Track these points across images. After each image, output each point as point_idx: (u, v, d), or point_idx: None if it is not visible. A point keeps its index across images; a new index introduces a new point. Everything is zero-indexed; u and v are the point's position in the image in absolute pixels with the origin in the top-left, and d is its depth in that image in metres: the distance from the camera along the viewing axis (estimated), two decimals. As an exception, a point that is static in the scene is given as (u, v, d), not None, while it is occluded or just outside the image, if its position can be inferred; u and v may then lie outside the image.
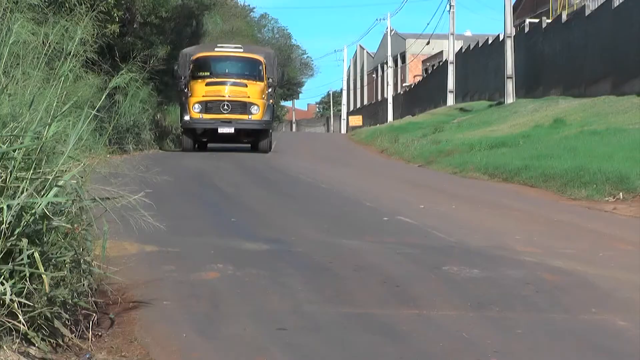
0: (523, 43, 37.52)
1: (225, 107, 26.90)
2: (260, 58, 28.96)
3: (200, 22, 36.46)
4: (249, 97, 27.14)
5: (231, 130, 27.06)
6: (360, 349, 5.59)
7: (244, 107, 26.99)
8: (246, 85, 27.41)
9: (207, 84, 27.33)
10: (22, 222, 5.11)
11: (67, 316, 5.37)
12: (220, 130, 27.06)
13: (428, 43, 63.51)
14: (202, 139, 28.45)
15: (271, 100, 28.39)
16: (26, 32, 6.09)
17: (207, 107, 26.96)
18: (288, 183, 15.91)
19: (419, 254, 8.66)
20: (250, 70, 28.52)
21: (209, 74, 28.06)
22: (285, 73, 30.80)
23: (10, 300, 4.87)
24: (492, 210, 12.94)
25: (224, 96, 27.23)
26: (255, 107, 27.01)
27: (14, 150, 5.31)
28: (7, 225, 4.98)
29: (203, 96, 27.08)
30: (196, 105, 26.93)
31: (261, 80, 28.06)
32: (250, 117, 26.91)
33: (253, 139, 28.30)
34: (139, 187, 6.40)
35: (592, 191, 14.26)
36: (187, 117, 27.03)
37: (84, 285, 5.67)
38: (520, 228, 11.01)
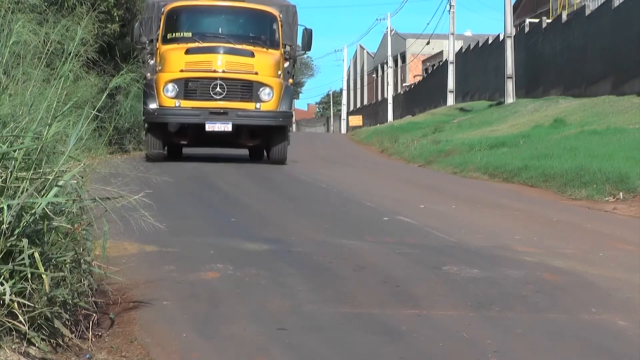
0: (523, 43, 37.52)
1: (218, 88, 17.94)
2: (275, 13, 19.47)
3: None
4: (256, 73, 18.13)
5: (227, 127, 18.01)
6: (360, 349, 5.59)
7: (248, 89, 18.10)
8: (252, 55, 18.28)
9: (189, 52, 18.21)
10: (22, 222, 5.11)
11: (67, 316, 5.37)
12: (210, 127, 18.01)
13: (428, 43, 63.53)
14: (179, 140, 19.41)
15: (290, 81, 19.45)
16: (27, 32, 6.09)
17: (187, 88, 17.94)
18: (288, 183, 15.91)
19: (419, 254, 8.66)
20: (259, 31, 19.56)
21: (190, 35, 18.93)
22: (311, 36, 19.83)
23: (10, 300, 4.87)
24: (492, 210, 12.94)
25: (215, 71, 18.07)
26: (268, 89, 18.09)
27: (14, 150, 5.31)
28: (7, 225, 4.98)
29: (181, 71, 17.96)
30: (169, 86, 17.86)
31: (276, 47, 19.08)
32: (258, 105, 18.04)
33: (261, 141, 19.58)
34: (139, 187, 6.40)
35: (592, 191, 14.27)
36: (153, 105, 17.88)
37: (84, 285, 5.67)
38: (520, 228, 11.01)
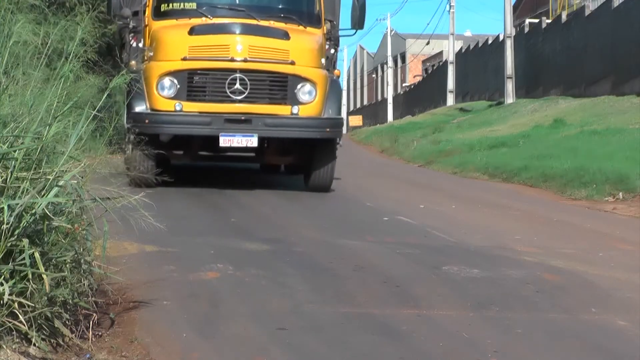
0: (523, 43, 37.52)
1: (238, 85, 12.61)
2: None
3: None
4: (293, 62, 12.86)
5: (251, 141, 12.68)
6: (360, 349, 5.59)
7: (281, 86, 12.89)
8: (287, 36, 12.99)
9: (194, 31, 12.90)
10: (23, 222, 5.12)
11: (67, 316, 5.37)
12: (225, 140, 12.66)
13: (428, 43, 63.51)
14: (176, 157, 13.91)
15: (336, 72, 14.18)
16: (27, 33, 6.10)
17: (191, 84, 12.76)
18: (287, 183, 15.89)
19: (419, 254, 8.66)
20: (295, 3, 14.18)
21: (194, 6, 13.53)
22: (364, 8, 14.14)
23: (11, 300, 4.87)
24: (492, 210, 12.94)
25: (233, 59, 12.69)
26: (309, 86, 12.85)
27: (15, 151, 5.31)
28: (7, 226, 4.98)
29: (184, 59, 12.68)
30: (166, 81, 12.62)
31: (316, 25, 13.70)
32: (296, 109, 12.78)
33: (295, 158, 14.15)
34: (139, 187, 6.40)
35: (592, 191, 14.27)
36: (141, 109, 12.69)
37: (84, 285, 5.67)
38: (520, 228, 11.01)
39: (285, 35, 13.02)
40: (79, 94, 6.10)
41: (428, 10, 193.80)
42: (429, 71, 65.63)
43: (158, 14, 13.58)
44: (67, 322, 5.34)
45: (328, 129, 13.08)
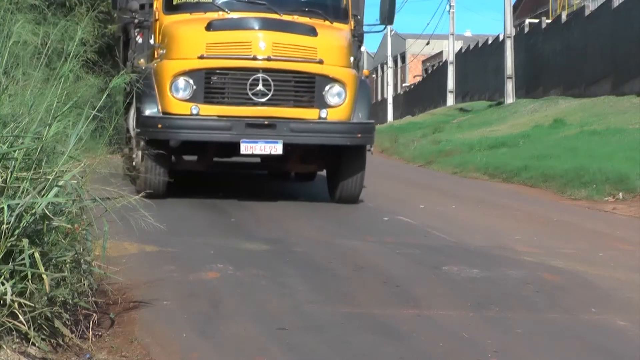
0: (523, 43, 37.51)
1: (261, 86, 11.60)
2: None
3: None
4: (321, 61, 11.81)
5: (275, 148, 11.65)
6: (360, 349, 5.59)
7: (308, 87, 11.87)
8: (314, 32, 11.97)
9: (212, 26, 11.88)
10: (23, 222, 5.12)
11: (67, 316, 5.37)
12: (247, 147, 11.60)
13: (428, 43, 63.47)
14: (189, 165, 12.66)
15: (364, 72, 13.40)
16: (26, 33, 6.10)
17: (209, 85, 11.69)
18: (286, 183, 15.89)
19: (419, 254, 8.66)
20: None
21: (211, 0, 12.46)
22: (394, 3, 13.16)
23: (11, 300, 4.87)
24: (492, 210, 12.95)
25: (255, 57, 11.64)
26: (337, 87, 11.85)
27: (15, 151, 5.32)
28: (7, 226, 4.99)
29: (200, 57, 11.64)
30: (180, 82, 11.61)
31: (343, 20, 12.72)
32: (324, 113, 11.80)
33: (321, 167, 13.21)
34: (139, 187, 6.40)
35: (592, 191, 14.28)
36: (152, 111, 11.68)
37: (84, 285, 5.68)
38: (520, 228, 11.01)
39: (312, 32, 11.96)
40: (78, 94, 6.10)
41: (428, 11, 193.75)
42: (429, 71, 65.63)
43: (170, 8, 12.50)
44: (67, 322, 5.34)
45: (359, 135, 12.01)
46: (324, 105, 11.86)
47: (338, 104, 11.89)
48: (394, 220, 11.07)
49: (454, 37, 50.16)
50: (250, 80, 11.63)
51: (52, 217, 5.30)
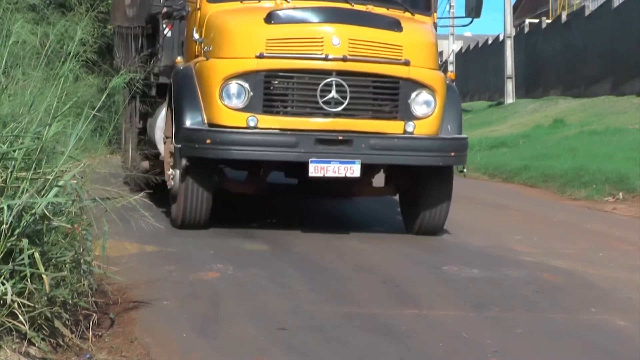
0: (523, 43, 37.51)
1: (334, 93, 9.50)
2: None
3: None
4: (407, 61, 9.72)
5: (351, 169, 9.48)
6: (360, 349, 5.59)
7: (392, 93, 9.79)
8: (398, 26, 9.84)
9: (273, 18, 9.70)
10: (22, 222, 5.11)
11: (67, 316, 5.37)
12: (317, 168, 9.45)
13: (428, 43, 63.46)
14: (236, 186, 10.72)
15: (449, 74, 10.90)
16: (26, 32, 6.10)
17: (270, 91, 9.62)
18: (285, 183, 15.87)
19: (419, 254, 8.66)
20: None
21: None
22: None
23: (11, 300, 4.87)
24: (492, 210, 12.95)
25: (327, 57, 9.53)
26: (425, 94, 9.78)
27: (14, 150, 5.31)
28: (7, 226, 4.98)
29: (259, 56, 9.50)
30: (233, 86, 9.50)
31: (426, 12, 10.77)
32: (410, 126, 9.67)
33: (396, 190, 10.83)
34: (139, 187, 6.41)
35: (592, 191, 14.27)
36: (195, 123, 9.55)
37: (84, 285, 5.67)
38: (520, 228, 11.01)
39: (396, 25, 9.79)
40: (78, 94, 6.11)
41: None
42: (429, 71, 65.58)
43: None
44: (67, 322, 5.34)
45: (453, 153, 9.81)
46: (409, 116, 9.64)
47: (427, 114, 9.70)
48: (394, 220, 11.05)
49: (454, 37, 50.18)
50: (321, 85, 9.43)
51: (52, 217, 5.30)
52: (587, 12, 32.21)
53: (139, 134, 12.06)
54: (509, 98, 35.65)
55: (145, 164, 11.40)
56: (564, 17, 34.93)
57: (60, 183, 5.44)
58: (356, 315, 6.35)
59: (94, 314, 5.66)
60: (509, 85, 35.76)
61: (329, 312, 6.38)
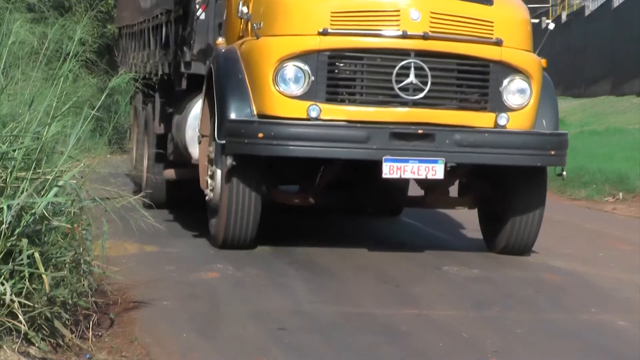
0: (523, 43, 37.49)
1: (413, 78, 7.89)
2: None
3: None
4: (499, 40, 8.11)
5: (433, 170, 7.89)
6: (360, 349, 5.58)
7: (481, 79, 8.17)
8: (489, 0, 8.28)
9: None
10: (22, 222, 5.11)
11: (67, 316, 5.36)
12: (392, 168, 7.81)
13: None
14: (286, 197, 9.00)
15: (541, 61, 8.50)
16: (25, 32, 6.09)
17: (335, 74, 8.00)
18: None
19: (419, 254, 8.66)
20: None
21: None
22: None
23: (11, 300, 4.87)
24: (492, 210, 12.92)
25: (405, 33, 7.89)
26: (520, 80, 8.18)
27: (14, 151, 5.31)
28: (7, 226, 4.98)
29: (322, 32, 7.86)
30: (289, 69, 7.88)
31: None
32: (503, 119, 8.10)
33: (477, 199, 8.97)
34: (139, 187, 6.41)
35: (592, 191, 14.26)
36: (243, 114, 7.96)
37: (84, 285, 5.67)
38: (520, 228, 10.99)
39: None
40: (78, 94, 6.10)
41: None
42: (429, 71, 65.58)
43: None
44: (67, 322, 5.34)
45: (553, 152, 8.30)
46: (501, 107, 8.15)
47: (522, 105, 8.23)
48: (394, 221, 11.04)
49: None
50: (397, 68, 7.91)
51: (52, 217, 5.30)
52: (587, 12, 32.20)
53: (158, 140, 10.54)
54: (509, 98, 35.63)
55: (169, 173, 10.15)
56: (564, 17, 34.93)
57: (60, 183, 5.44)
58: (356, 315, 6.35)
59: (94, 314, 5.66)
60: (509, 85, 35.74)
61: (329, 312, 6.37)
